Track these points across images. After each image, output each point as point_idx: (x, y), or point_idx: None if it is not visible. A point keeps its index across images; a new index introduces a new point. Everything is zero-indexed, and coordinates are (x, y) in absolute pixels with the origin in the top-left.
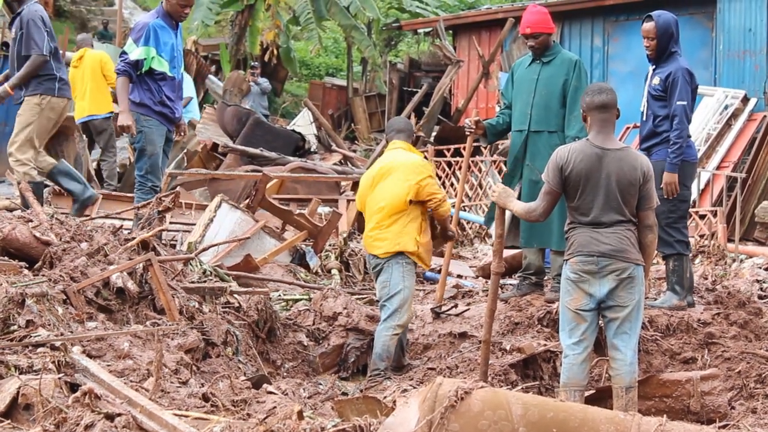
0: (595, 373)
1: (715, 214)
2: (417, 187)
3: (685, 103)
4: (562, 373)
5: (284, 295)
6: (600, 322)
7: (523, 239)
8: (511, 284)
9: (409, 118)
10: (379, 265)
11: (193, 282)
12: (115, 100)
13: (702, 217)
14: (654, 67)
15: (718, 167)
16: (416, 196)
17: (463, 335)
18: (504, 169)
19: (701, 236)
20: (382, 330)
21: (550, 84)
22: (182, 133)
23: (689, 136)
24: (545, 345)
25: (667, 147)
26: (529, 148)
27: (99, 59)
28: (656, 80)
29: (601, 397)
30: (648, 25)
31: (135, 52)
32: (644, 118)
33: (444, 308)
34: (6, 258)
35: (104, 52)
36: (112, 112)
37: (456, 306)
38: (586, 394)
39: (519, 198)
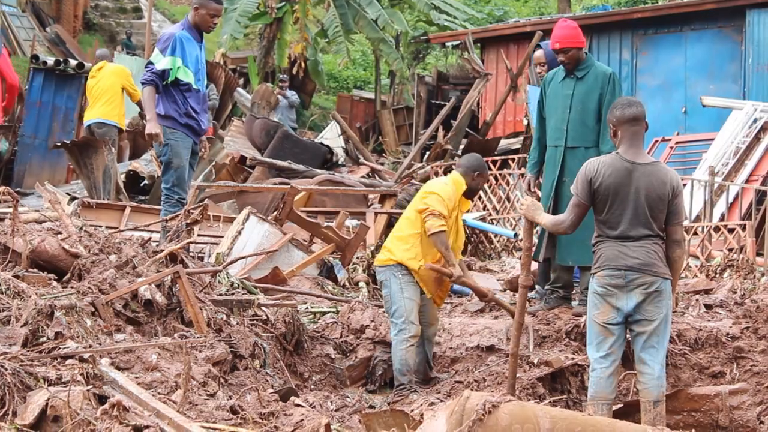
0: (622, 387)
1: (744, 228)
2: (421, 203)
3: None
4: (590, 387)
5: (312, 307)
6: (627, 335)
7: (559, 256)
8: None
9: (436, 131)
10: (380, 275)
11: (221, 294)
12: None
13: (731, 231)
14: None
15: (747, 181)
16: (418, 207)
17: (491, 348)
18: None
19: (730, 250)
20: (396, 345)
21: (586, 100)
22: (203, 149)
23: None
24: (573, 359)
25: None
26: (566, 164)
27: (119, 72)
28: None
29: (629, 411)
30: (538, 53)
31: (161, 62)
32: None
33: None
34: (35, 270)
35: (123, 66)
36: (118, 126)
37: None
38: (614, 408)
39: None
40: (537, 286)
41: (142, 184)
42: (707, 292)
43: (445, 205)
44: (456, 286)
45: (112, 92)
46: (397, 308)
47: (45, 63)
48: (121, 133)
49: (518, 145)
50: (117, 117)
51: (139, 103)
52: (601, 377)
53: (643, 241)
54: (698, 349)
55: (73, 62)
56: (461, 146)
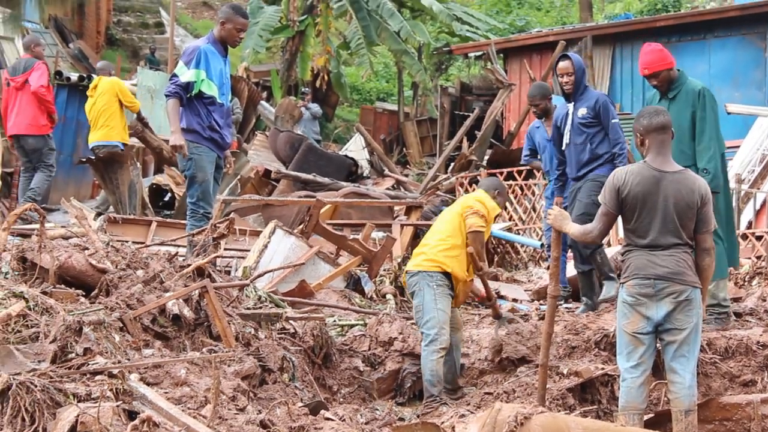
0: (653, 397)
1: None
2: (465, 207)
3: (617, 120)
4: (621, 397)
5: (339, 320)
6: (658, 345)
7: None
8: (568, 307)
9: (460, 142)
10: (411, 285)
11: (248, 308)
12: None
13: (759, 238)
14: (573, 102)
15: None
16: (462, 210)
17: (521, 360)
18: None
19: (758, 257)
20: (426, 356)
21: (680, 120)
22: (228, 164)
23: None
24: (603, 369)
25: (610, 163)
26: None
27: (111, 88)
28: (582, 111)
29: (660, 420)
30: (565, 63)
31: (185, 75)
32: (572, 148)
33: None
34: (63, 286)
35: (117, 79)
36: (122, 143)
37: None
38: (645, 417)
39: None
40: (584, 298)
41: (165, 198)
42: (736, 300)
43: (487, 211)
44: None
45: (109, 112)
46: (429, 319)
47: (68, 79)
48: (125, 147)
49: None
50: (118, 136)
51: (139, 115)
52: (632, 387)
53: (673, 250)
54: (729, 358)
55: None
56: (486, 157)
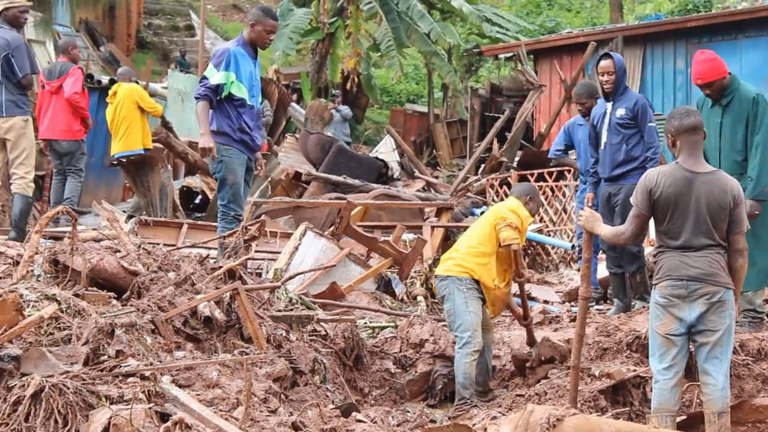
0: (686, 399)
1: None
2: (498, 218)
3: (654, 124)
4: (653, 399)
5: (370, 322)
6: (690, 346)
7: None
8: (599, 309)
9: (491, 143)
10: (441, 290)
11: (279, 310)
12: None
13: None
14: (612, 102)
15: None
16: (494, 220)
17: (551, 361)
18: None
19: None
20: (460, 359)
21: (734, 128)
22: (259, 166)
23: None
24: (635, 370)
25: (643, 169)
26: None
27: (130, 95)
28: (621, 111)
29: (693, 422)
30: (607, 62)
31: (215, 77)
32: (607, 148)
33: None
34: (94, 288)
35: (136, 85)
36: (146, 149)
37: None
38: (678, 419)
39: None
40: (615, 299)
41: (196, 200)
42: None
43: (520, 221)
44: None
45: (129, 120)
46: (462, 322)
47: (99, 82)
48: (149, 151)
49: (574, 156)
50: (140, 144)
51: (163, 120)
52: (665, 389)
53: (705, 251)
54: (761, 359)
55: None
56: (516, 158)
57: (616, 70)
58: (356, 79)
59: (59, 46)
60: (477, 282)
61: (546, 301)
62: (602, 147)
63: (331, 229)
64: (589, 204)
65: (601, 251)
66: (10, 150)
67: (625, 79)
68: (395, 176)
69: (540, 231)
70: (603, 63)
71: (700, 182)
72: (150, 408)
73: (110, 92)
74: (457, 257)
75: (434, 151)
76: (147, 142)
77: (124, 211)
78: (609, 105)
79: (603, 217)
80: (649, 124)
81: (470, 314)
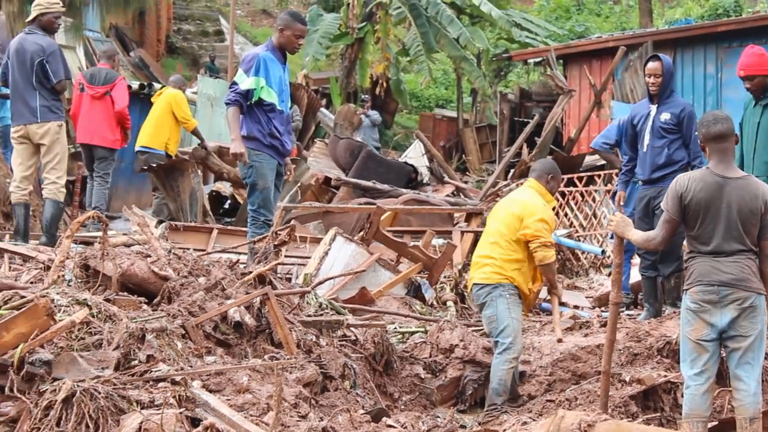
0: (717, 404)
1: None
2: (525, 223)
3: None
4: (684, 404)
5: (400, 327)
6: (722, 352)
7: None
8: (629, 314)
9: (521, 148)
10: (481, 297)
11: (309, 315)
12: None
13: None
14: (657, 105)
15: None
16: (523, 232)
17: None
18: None
19: None
20: (498, 365)
21: None
22: (289, 171)
23: None
24: (665, 376)
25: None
26: None
27: (170, 98)
28: (666, 116)
29: (725, 428)
30: (655, 64)
31: (245, 82)
32: (648, 150)
33: None
34: (125, 293)
35: (180, 92)
36: (168, 154)
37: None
38: (709, 425)
39: None
40: (646, 304)
41: (226, 205)
42: None
43: (551, 230)
44: (544, 305)
45: (161, 119)
46: (505, 327)
47: (129, 87)
48: (168, 159)
49: (603, 162)
50: (163, 144)
51: (195, 132)
52: (696, 394)
53: (737, 256)
54: None
55: (157, 86)
56: None
57: (663, 73)
58: (385, 84)
59: (103, 52)
60: (517, 288)
61: (576, 307)
62: (643, 149)
63: (361, 234)
64: (621, 203)
65: (634, 254)
66: (44, 155)
67: (672, 82)
68: (424, 181)
69: (570, 236)
70: (651, 65)
71: (731, 187)
72: (181, 413)
73: (156, 92)
74: (495, 264)
75: (463, 156)
76: (172, 149)
77: (154, 216)
78: (653, 107)
79: (640, 220)
80: (696, 133)
81: (513, 320)
